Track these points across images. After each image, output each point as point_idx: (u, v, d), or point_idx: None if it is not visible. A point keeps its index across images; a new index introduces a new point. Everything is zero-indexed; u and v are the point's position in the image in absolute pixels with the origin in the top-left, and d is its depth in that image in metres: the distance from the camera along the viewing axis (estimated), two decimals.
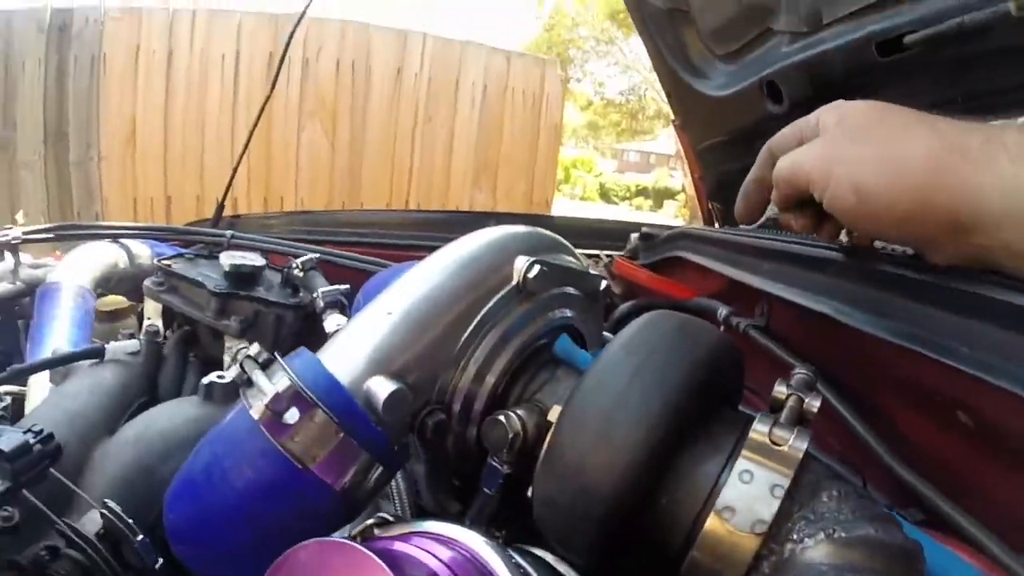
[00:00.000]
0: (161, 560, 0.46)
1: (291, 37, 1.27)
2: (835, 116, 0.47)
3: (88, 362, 0.67)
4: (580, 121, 21.59)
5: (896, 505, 0.46)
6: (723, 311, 0.80)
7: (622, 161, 29.93)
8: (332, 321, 0.75)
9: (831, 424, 0.54)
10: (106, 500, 0.47)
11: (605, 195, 20.47)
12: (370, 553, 0.27)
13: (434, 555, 0.31)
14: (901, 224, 0.43)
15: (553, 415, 0.41)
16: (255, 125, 1.29)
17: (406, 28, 5.40)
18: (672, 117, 1.43)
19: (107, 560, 0.46)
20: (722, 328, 0.78)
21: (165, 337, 0.76)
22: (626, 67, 16.49)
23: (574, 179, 20.32)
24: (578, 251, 0.59)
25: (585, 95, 19.15)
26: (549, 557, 0.40)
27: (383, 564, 0.27)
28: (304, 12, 1.31)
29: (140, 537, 0.46)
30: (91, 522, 0.47)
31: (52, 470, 0.48)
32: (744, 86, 1.03)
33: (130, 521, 0.47)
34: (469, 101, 5.70)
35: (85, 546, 0.45)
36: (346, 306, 0.78)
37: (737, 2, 1.00)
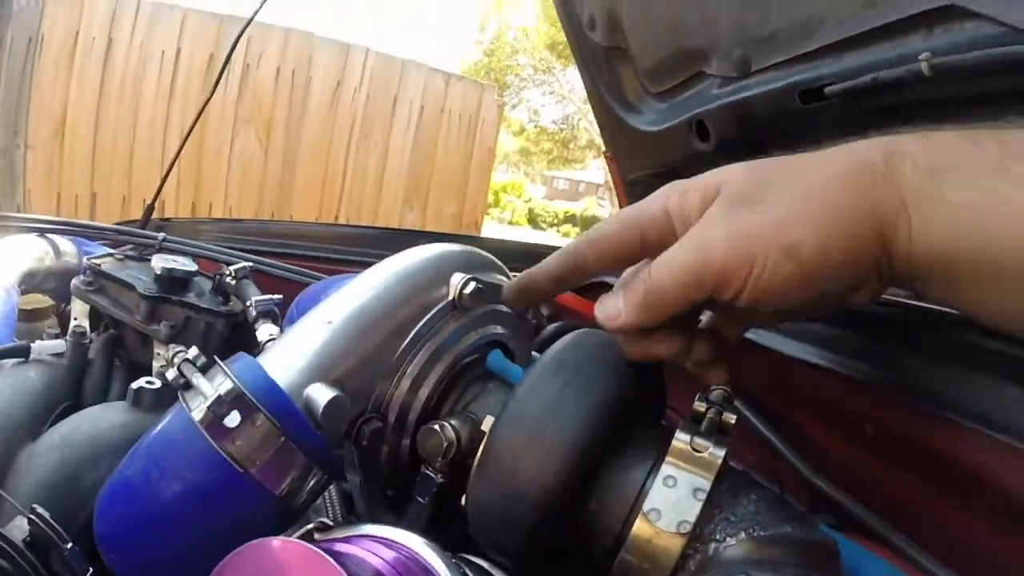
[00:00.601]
0: (91, 570, 0.45)
1: (236, 41, 1.26)
2: (703, 193, 0.39)
3: (10, 361, 0.64)
4: (513, 146, 21.91)
5: (811, 512, 0.50)
6: None
7: (551, 188, 30.46)
8: (264, 331, 0.74)
9: (750, 439, 0.58)
10: (34, 506, 0.45)
11: (533, 220, 20.72)
12: (319, 551, 0.28)
13: (377, 555, 0.32)
14: (836, 273, 0.36)
15: (486, 425, 0.43)
16: (191, 128, 1.26)
17: (349, 41, 5.36)
18: (603, 148, 1.48)
19: (35, 567, 0.43)
20: None
21: (90, 340, 0.73)
22: (561, 97, 16.90)
23: (504, 203, 20.51)
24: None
25: (519, 121, 19.51)
26: (483, 564, 0.41)
27: (332, 561, 0.28)
28: (252, 18, 1.29)
29: (70, 545, 0.44)
30: (17, 528, 0.45)
31: None
32: (674, 123, 1.08)
33: (59, 528, 0.45)
34: (406, 119, 5.69)
35: (13, 553, 0.43)
36: (278, 316, 0.77)
37: (673, 44, 1.05)
